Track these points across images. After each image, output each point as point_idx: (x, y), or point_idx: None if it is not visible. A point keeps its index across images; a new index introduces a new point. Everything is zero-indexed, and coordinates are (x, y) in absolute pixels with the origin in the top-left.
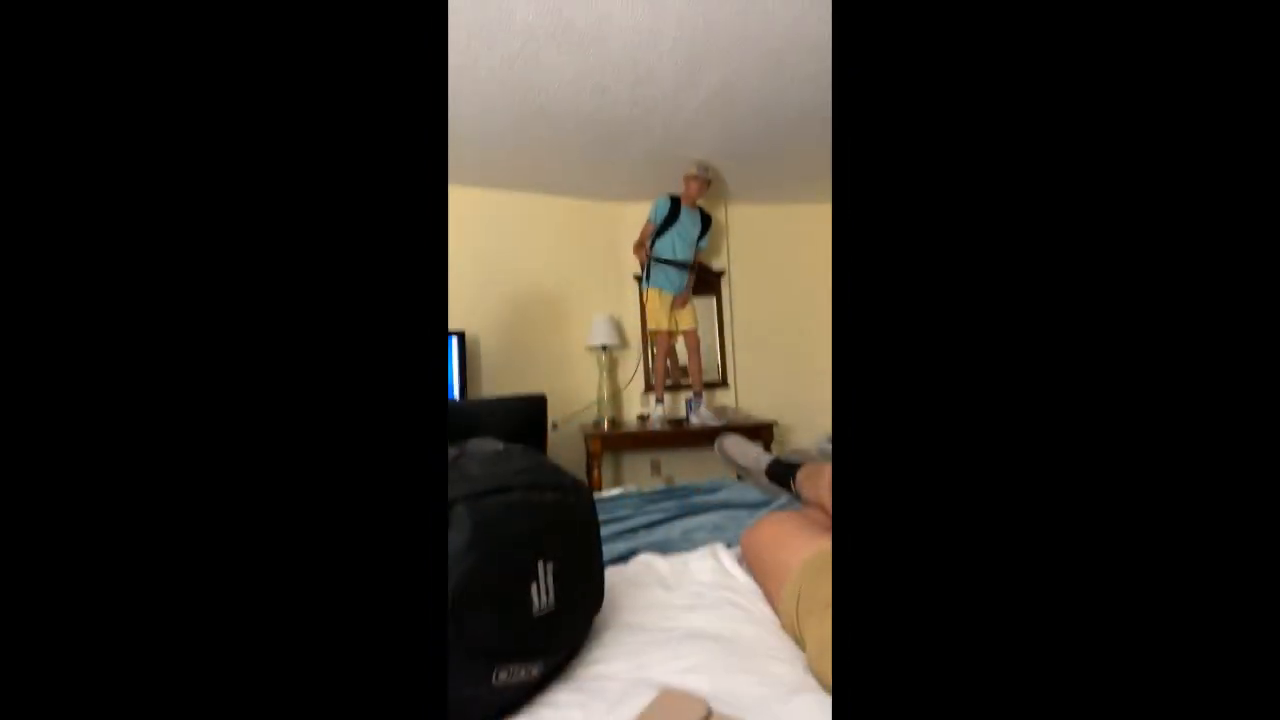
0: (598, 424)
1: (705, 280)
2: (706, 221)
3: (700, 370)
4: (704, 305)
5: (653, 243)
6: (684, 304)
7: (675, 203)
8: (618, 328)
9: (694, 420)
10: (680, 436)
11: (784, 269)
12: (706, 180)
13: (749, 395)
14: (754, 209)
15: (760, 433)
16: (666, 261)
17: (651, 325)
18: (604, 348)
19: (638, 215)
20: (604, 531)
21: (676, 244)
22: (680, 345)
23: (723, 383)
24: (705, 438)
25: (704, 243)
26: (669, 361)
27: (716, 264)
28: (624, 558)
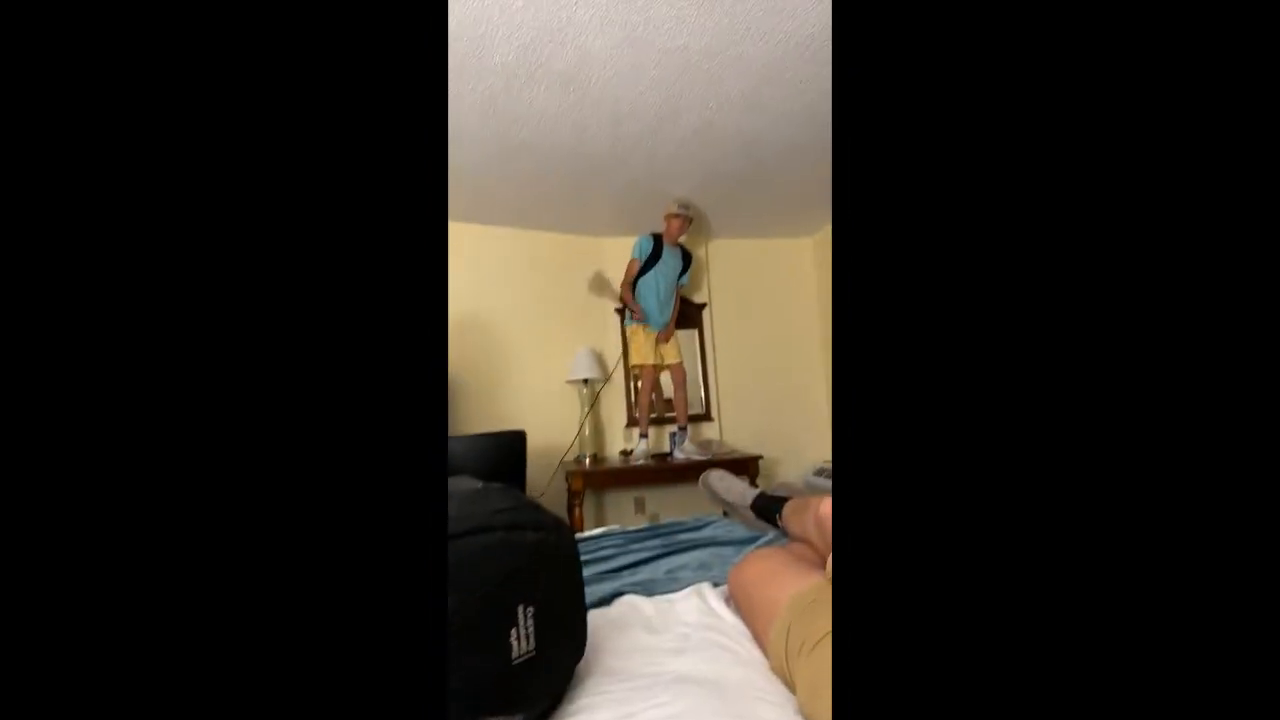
0: (579, 460)
1: (687, 313)
2: (687, 259)
3: (685, 404)
4: (686, 338)
5: (635, 282)
6: (668, 338)
7: (657, 241)
8: (599, 361)
9: (678, 455)
10: (664, 472)
11: (766, 302)
12: (688, 218)
13: (733, 428)
14: (735, 243)
15: (745, 466)
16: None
17: (636, 360)
18: (585, 382)
19: (618, 250)
20: (587, 572)
21: (659, 282)
22: (665, 378)
23: (706, 416)
24: (690, 473)
25: (685, 279)
26: (653, 395)
27: (698, 297)
28: (607, 600)
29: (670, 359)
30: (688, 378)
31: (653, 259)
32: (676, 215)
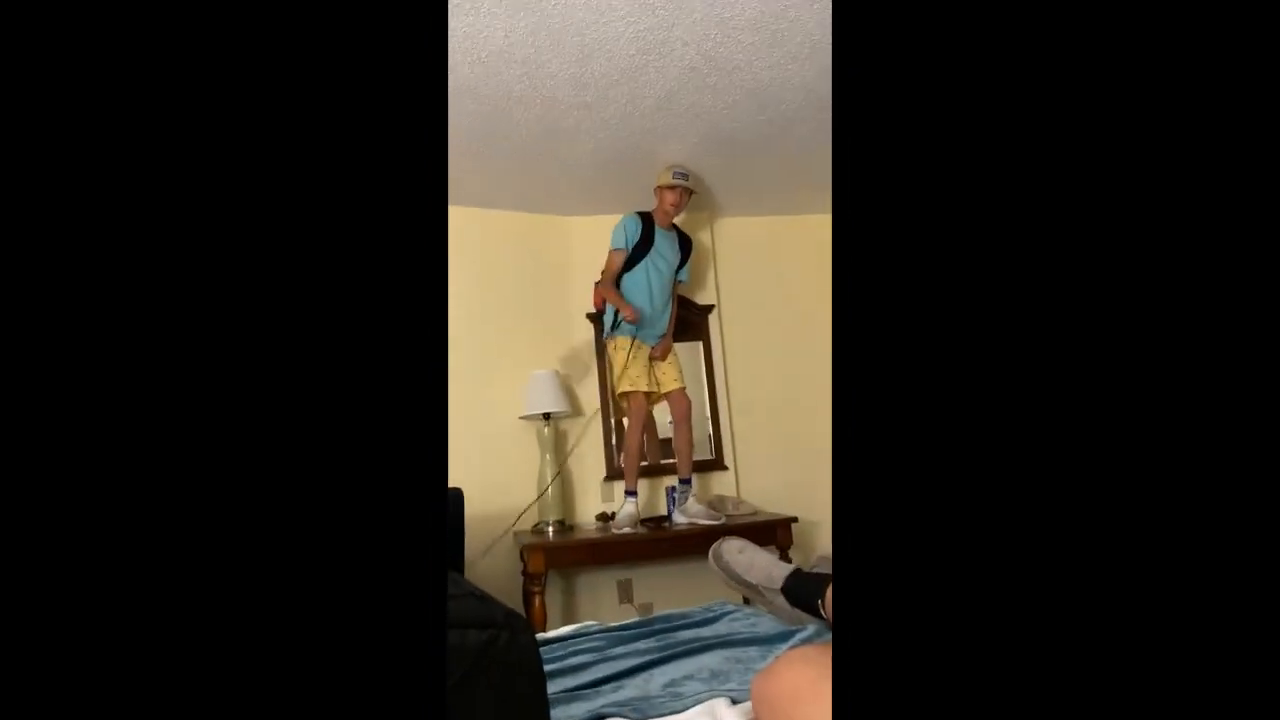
0: (540, 529)
1: (687, 321)
2: (686, 246)
3: (690, 446)
4: (686, 354)
5: (619, 279)
6: (665, 354)
7: (647, 223)
8: (566, 388)
9: (679, 519)
10: (660, 544)
11: (795, 300)
12: (687, 189)
13: (755, 480)
14: (747, 223)
15: (773, 534)
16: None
17: (622, 385)
18: (547, 417)
19: (590, 233)
20: (553, 688)
21: (652, 279)
22: (661, 411)
23: (717, 463)
24: (695, 544)
25: (684, 274)
26: (647, 435)
27: (702, 297)
28: None
29: (669, 384)
30: (692, 409)
31: (642, 248)
32: (672, 185)
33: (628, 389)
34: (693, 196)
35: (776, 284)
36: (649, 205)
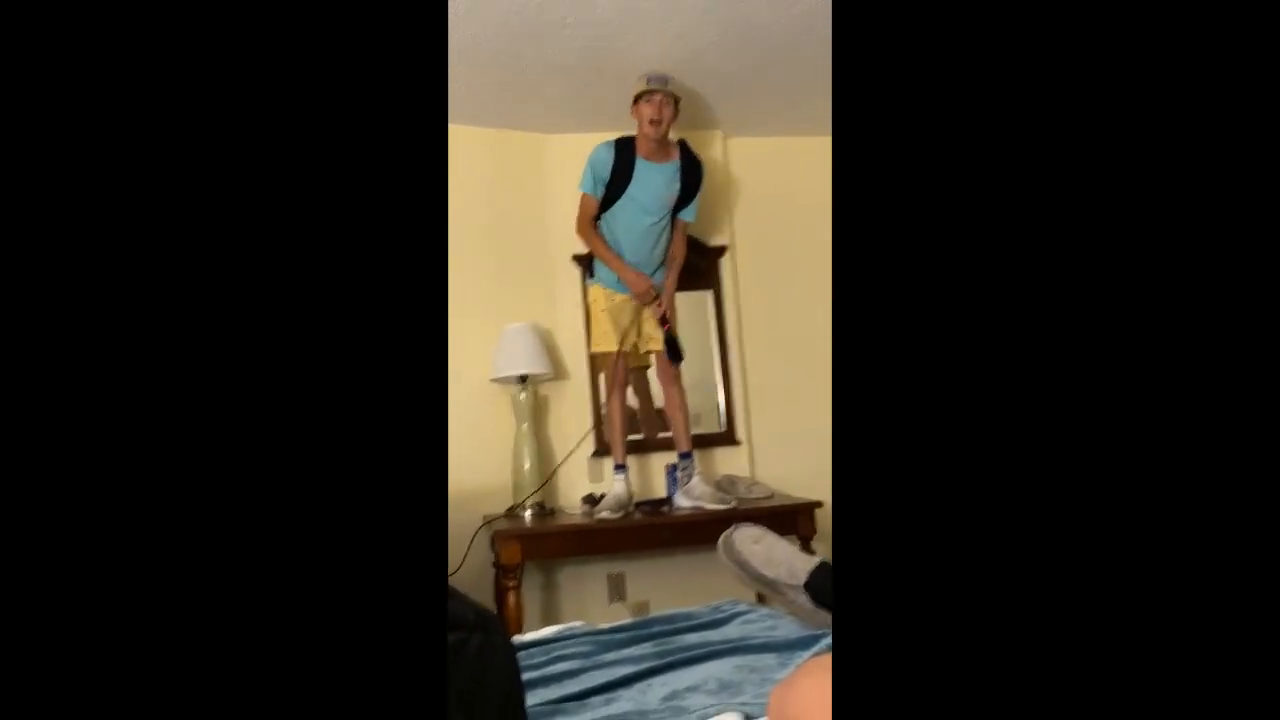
0: (515, 513)
1: (694, 264)
2: (691, 174)
3: (686, 417)
4: (692, 304)
5: (598, 220)
6: (661, 303)
7: (623, 151)
8: (546, 345)
9: (681, 502)
10: (657, 531)
11: (823, 240)
12: (669, 97)
13: (772, 457)
14: (768, 145)
15: (793, 520)
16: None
17: (599, 345)
18: (523, 380)
19: (571, 154)
20: (534, 700)
21: (636, 218)
22: (653, 376)
23: (727, 437)
24: (700, 531)
25: (689, 213)
26: (640, 403)
27: (711, 236)
28: None
29: (652, 342)
30: (697, 374)
31: (617, 184)
32: (648, 93)
33: (602, 349)
34: (679, 110)
35: (803, 220)
36: (631, 127)
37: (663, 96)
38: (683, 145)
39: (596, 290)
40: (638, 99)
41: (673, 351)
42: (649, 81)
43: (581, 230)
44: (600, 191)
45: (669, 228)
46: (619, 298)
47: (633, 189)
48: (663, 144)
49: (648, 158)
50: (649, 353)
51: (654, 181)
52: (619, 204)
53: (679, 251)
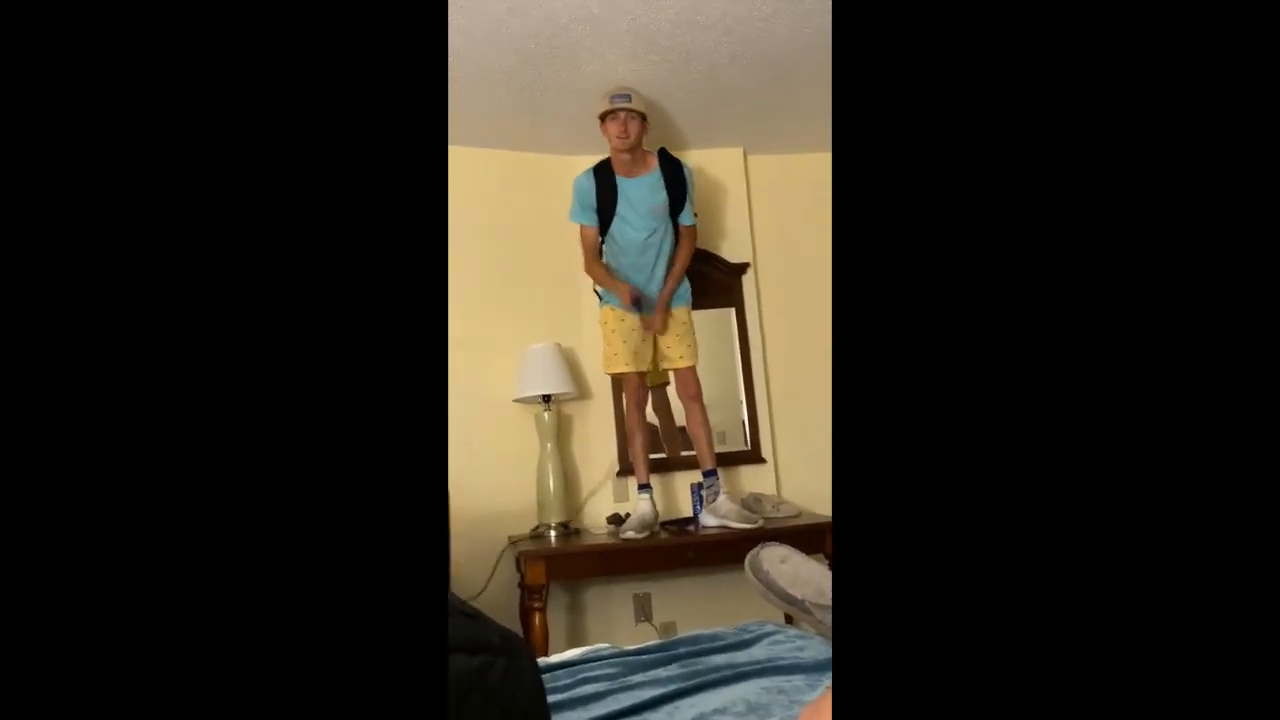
0: (539, 533)
1: (716, 281)
2: (676, 178)
3: (709, 435)
4: (714, 322)
5: (601, 251)
6: (662, 327)
7: (602, 174)
8: (570, 365)
9: (707, 521)
10: (683, 551)
11: None
12: (635, 114)
13: (798, 475)
14: (791, 162)
15: (821, 539)
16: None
17: (611, 367)
18: (547, 400)
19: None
20: None
21: (632, 235)
22: (673, 395)
23: (753, 455)
24: (728, 552)
25: (686, 215)
26: (661, 422)
27: (733, 253)
28: None
29: (676, 360)
30: (718, 391)
31: (605, 207)
32: (611, 111)
33: (619, 370)
34: (647, 122)
35: (824, 236)
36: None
37: (626, 114)
38: (661, 153)
39: (606, 311)
40: (604, 118)
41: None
42: (611, 100)
43: (587, 261)
44: (593, 219)
45: (669, 237)
46: (629, 318)
47: (621, 208)
48: (638, 157)
49: (626, 174)
50: (667, 370)
51: (638, 195)
52: (614, 226)
53: (681, 258)
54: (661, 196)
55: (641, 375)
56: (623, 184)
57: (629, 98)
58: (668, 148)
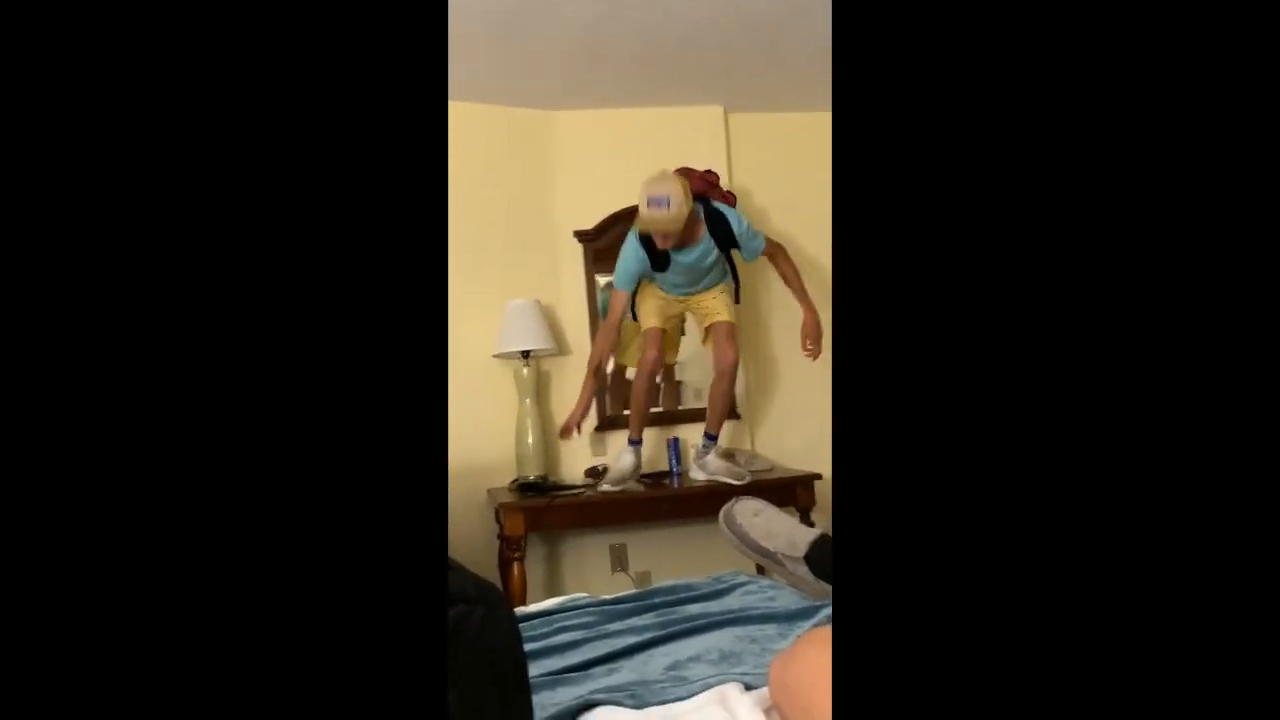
0: (518, 486)
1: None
2: (722, 225)
3: (730, 392)
4: None
5: (634, 308)
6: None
7: (651, 246)
8: (549, 321)
9: (697, 475)
10: (660, 504)
11: (824, 218)
12: (671, 221)
13: (772, 430)
14: (770, 120)
15: (793, 493)
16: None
17: (647, 322)
18: (526, 355)
19: (580, 130)
20: (536, 670)
21: (677, 279)
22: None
23: (730, 411)
24: (702, 505)
25: (747, 253)
26: (657, 379)
27: None
28: (572, 716)
29: (718, 313)
30: (695, 349)
31: (656, 265)
32: (654, 204)
33: (653, 324)
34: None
35: (803, 198)
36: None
37: (665, 215)
38: (704, 208)
39: (654, 287)
40: (644, 218)
41: None
42: (649, 204)
43: (606, 327)
44: (635, 277)
45: (721, 267)
46: (673, 300)
47: (671, 271)
48: (685, 232)
49: (676, 248)
50: (713, 324)
51: (689, 261)
52: (660, 276)
53: (788, 275)
54: (714, 253)
55: (661, 332)
56: (675, 254)
57: (667, 203)
58: (644, 104)
